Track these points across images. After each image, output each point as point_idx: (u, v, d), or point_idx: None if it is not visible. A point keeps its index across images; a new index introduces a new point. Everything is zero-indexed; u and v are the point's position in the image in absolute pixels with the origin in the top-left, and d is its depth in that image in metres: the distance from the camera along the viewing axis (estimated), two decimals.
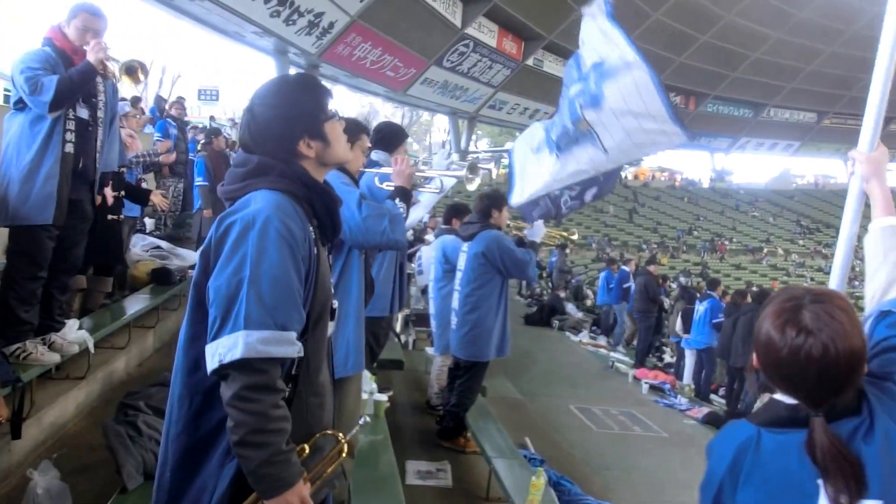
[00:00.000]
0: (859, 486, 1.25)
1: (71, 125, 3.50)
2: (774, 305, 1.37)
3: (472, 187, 3.63)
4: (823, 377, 1.28)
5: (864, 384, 1.34)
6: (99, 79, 3.66)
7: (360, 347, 3.05)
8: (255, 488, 1.57)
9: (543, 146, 3.78)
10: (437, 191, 3.55)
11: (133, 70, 3.77)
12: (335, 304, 1.93)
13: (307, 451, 1.69)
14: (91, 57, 3.45)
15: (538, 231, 4.93)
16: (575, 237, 6.71)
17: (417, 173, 3.27)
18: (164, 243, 6.44)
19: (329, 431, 1.80)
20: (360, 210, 2.87)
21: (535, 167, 3.90)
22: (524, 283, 18.44)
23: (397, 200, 3.08)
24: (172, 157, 8.02)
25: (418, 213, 3.53)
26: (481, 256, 4.84)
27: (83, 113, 3.58)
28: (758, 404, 9.45)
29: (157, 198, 5.46)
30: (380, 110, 47.97)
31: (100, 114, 3.68)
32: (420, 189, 3.39)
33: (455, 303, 5.05)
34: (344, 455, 1.77)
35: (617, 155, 3.54)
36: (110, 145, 3.88)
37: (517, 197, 4.02)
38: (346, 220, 2.83)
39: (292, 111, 1.79)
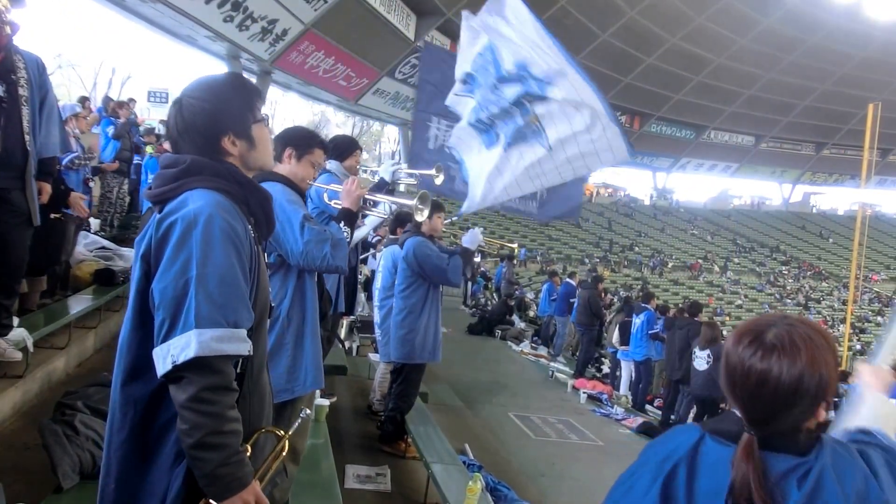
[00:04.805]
0: None
1: None
2: (751, 321, 1.38)
3: (420, 218, 3.67)
4: (760, 395, 1.28)
5: (831, 437, 1.33)
6: (18, 56, 3.40)
7: (319, 363, 2.98)
8: (208, 490, 1.53)
9: (483, 146, 3.93)
10: (385, 214, 3.58)
11: None
12: (273, 303, 1.94)
13: (249, 449, 1.68)
14: None
15: (472, 238, 5.04)
16: (514, 245, 6.82)
17: (367, 196, 3.26)
18: (108, 243, 6.35)
19: (270, 429, 1.80)
20: (302, 234, 2.77)
21: (480, 168, 4.06)
22: (468, 293, 18.64)
23: (342, 224, 3.02)
24: (115, 165, 8.12)
25: (361, 233, 3.58)
26: (403, 262, 5.06)
27: None
28: (691, 415, 9.80)
29: (77, 201, 4.33)
30: (331, 119, 47.73)
31: (22, 91, 3.38)
32: (367, 212, 3.40)
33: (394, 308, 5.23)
34: (286, 452, 1.79)
35: (560, 157, 3.72)
36: (48, 128, 3.59)
37: (473, 203, 4.13)
38: (289, 243, 2.77)
39: (220, 106, 1.77)
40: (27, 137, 3.43)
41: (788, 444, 1.28)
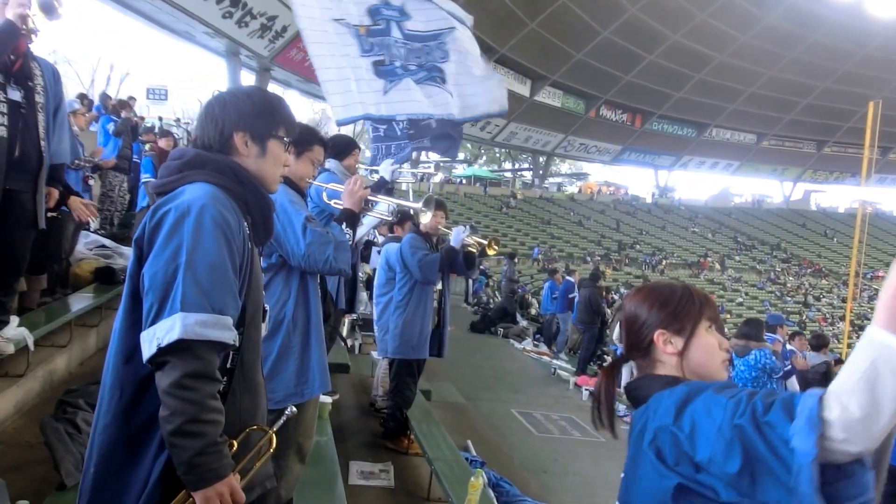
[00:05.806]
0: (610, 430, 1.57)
1: (2, 107, 3.24)
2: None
3: (425, 220, 3.58)
4: (623, 321, 1.65)
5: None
6: (35, 63, 3.42)
7: (324, 365, 2.94)
8: (184, 479, 1.54)
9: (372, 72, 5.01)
10: (387, 215, 3.53)
11: (51, 8, 3.30)
12: (266, 306, 1.93)
13: (235, 446, 1.69)
14: (10, 13, 3.13)
15: (457, 238, 5.03)
16: (487, 241, 5.90)
17: (370, 197, 3.20)
18: (108, 241, 6.34)
19: (260, 426, 1.79)
20: (304, 236, 2.71)
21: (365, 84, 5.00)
22: (470, 291, 18.62)
23: (344, 225, 2.95)
24: (112, 162, 8.12)
25: (360, 232, 3.56)
26: (392, 259, 5.17)
27: (15, 95, 3.30)
28: None
29: (77, 205, 3.92)
30: (332, 117, 47.65)
31: (38, 98, 3.41)
32: (368, 213, 3.36)
33: None
34: (273, 449, 1.77)
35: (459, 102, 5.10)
36: (60, 135, 3.64)
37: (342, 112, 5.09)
38: (291, 244, 2.72)
39: (247, 106, 1.84)
40: (42, 143, 3.47)
41: (642, 393, 1.50)
